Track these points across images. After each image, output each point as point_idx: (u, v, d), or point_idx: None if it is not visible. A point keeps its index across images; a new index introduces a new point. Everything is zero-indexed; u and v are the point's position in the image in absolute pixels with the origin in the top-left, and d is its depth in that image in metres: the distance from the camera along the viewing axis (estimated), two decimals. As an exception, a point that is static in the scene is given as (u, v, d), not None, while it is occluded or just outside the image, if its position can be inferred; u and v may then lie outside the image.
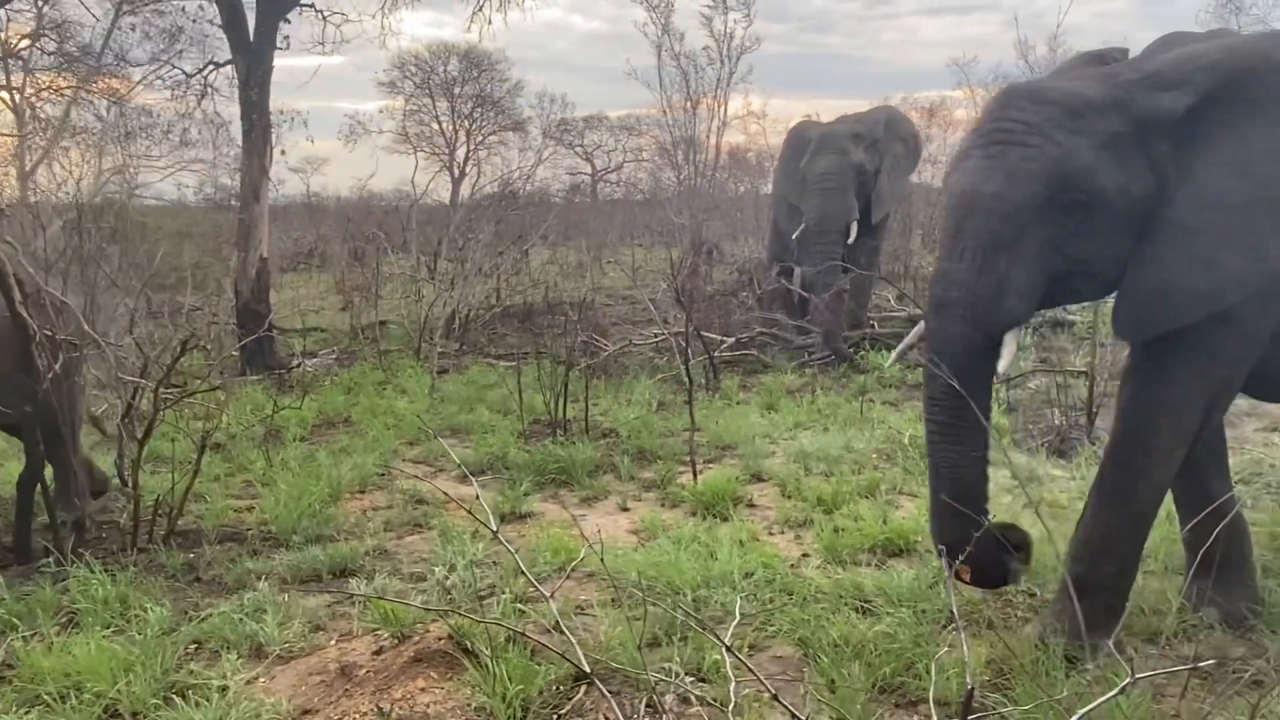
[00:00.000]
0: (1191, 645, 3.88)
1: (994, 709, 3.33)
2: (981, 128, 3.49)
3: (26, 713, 3.57)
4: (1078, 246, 3.38)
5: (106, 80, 13.58)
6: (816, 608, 4.32)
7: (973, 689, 1.96)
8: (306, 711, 3.66)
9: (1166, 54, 3.56)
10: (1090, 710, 2.06)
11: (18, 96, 11.76)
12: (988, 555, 3.38)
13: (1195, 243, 3.35)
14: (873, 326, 11.35)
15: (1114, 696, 1.97)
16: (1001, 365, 3.44)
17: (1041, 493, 5.88)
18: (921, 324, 3.64)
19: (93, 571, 4.68)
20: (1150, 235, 3.39)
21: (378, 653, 4.06)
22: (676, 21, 25.72)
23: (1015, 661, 3.58)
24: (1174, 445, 3.61)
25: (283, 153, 12.36)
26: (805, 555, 5.20)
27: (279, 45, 11.74)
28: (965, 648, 2.11)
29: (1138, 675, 2.00)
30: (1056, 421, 7.25)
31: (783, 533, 5.60)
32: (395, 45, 33.96)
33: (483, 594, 4.62)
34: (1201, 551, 3.58)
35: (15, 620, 4.31)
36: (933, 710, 2.20)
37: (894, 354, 3.63)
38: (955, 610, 2.26)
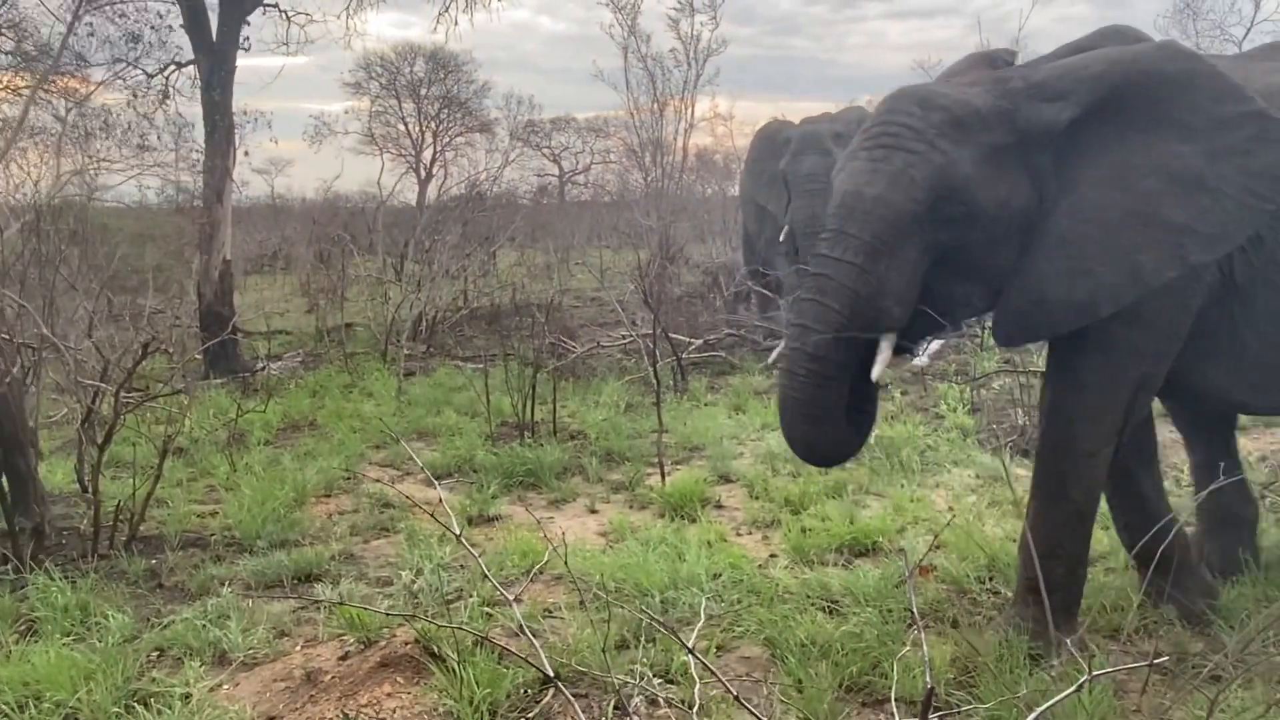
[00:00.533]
0: (1152, 641, 3.94)
1: (958, 707, 3.37)
2: (870, 129, 3.46)
3: (-17, 724, 3.52)
4: (961, 257, 3.37)
5: (65, 80, 13.39)
6: (784, 608, 4.34)
7: (932, 688, 1.98)
8: (271, 719, 3.63)
9: (1053, 63, 3.54)
10: (1050, 707, 2.09)
11: (-27, 96, 11.57)
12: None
13: (1073, 255, 3.36)
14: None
15: (1072, 693, 2.00)
16: (875, 372, 3.41)
17: (1006, 492, 5.95)
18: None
19: (52, 579, 4.62)
20: (1031, 246, 3.39)
21: (343, 658, 4.03)
22: (643, 23, 25.77)
23: (979, 660, 3.62)
24: (1098, 445, 3.65)
25: (246, 154, 12.29)
26: (773, 556, 5.23)
27: (242, 46, 11.64)
28: (925, 646, 2.13)
29: (1095, 672, 2.03)
30: (1020, 421, 7.34)
31: (750, 533, 5.62)
32: (360, 46, 33.80)
33: (450, 598, 4.60)
34: (1159, 551, 3.64)
35: (-29, 630, 4.24)
36: (895, 709, 2.22)
37: (772, 355, 3.64)
38: (915, 610, 2.28)
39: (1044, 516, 3.77)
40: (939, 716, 3.30)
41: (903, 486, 6.19)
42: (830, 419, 3.46)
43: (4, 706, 3.62)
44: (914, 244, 3.28)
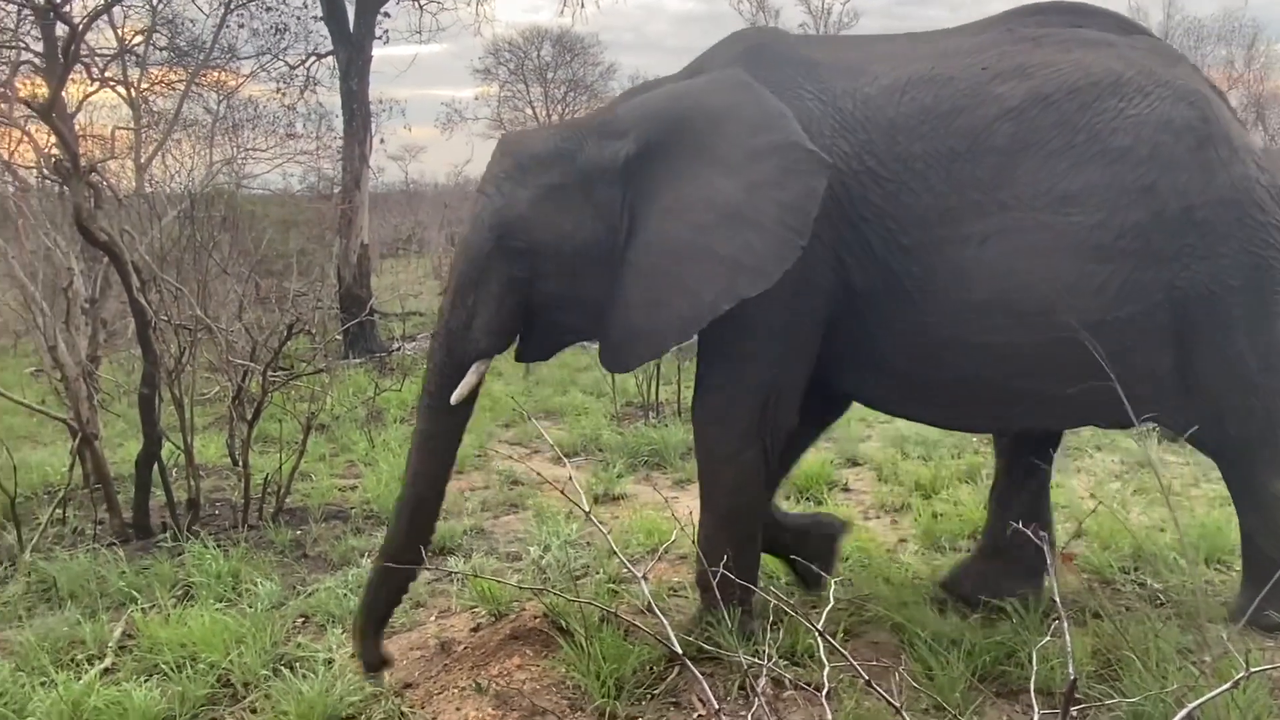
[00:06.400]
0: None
1: (1100, 700, 3.23)
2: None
3: (146, 680, 3.75)
4: (547, 287, 3.53)
5: (216, 74, 14.08)
6: (913, 594, 4.24)
7: (1076, 679, 1.90)
8: (408, 685, 3.76)
9: (631, 100, 3.71)
10: (1201, 704, 1.98)
11: (133, 91, 12.27)
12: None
13: (647, 285, 3.43)
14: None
15: (1226, 690, 1.89)
16: (454, 395, 3.54)
17: (1153, 479, 5.67)
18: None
19: (206, 547, 4.88)
20: (618, 277, 3.48)
21: (475, 629, 4.14)
22: (772, -1, 25.34)
23: (1122, 652, 3.47)
24: (732, 449, 3.65)
25: (381, 141, 12.69)
26: (902, 541, 5.12)
27: (377, 37, 12.00)
28: (1068, 636, 2.05)
29: (1253, 669, 1.92)
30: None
31: (878, 518, 5.52)
32: (490, 32, 34.37)
33: (577, 574, 4.67)
34: None
35: (135, 593, 4.51)
36: (1034, 700, 2.13)
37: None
38: (1058, 598, 2.18)
39: (701, 520, 3.78)
40: (1079, 710, 3.18)
41: (1040, 471, 5.96)
42: (442, 450, 3.65)
43: (163, 666, 3.86)
44: (494, 278, 3.49)
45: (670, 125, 3.48)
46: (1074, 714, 3.08)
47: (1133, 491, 5.60)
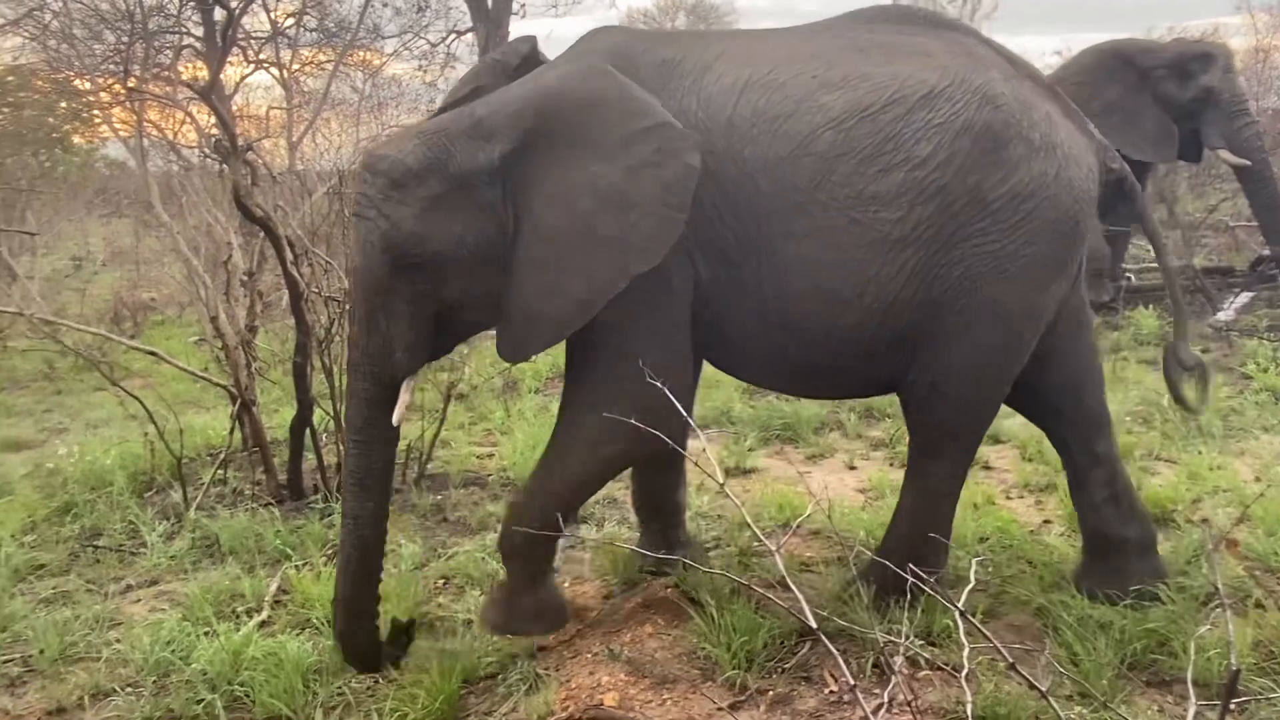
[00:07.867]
0: None
1: (1262, 694, 3.05)
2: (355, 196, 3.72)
3: (299, 633, 3.95)
4: (451, 292, 3.57)
5: (361, 54, 14.54)
6: (1058, 576, 4.09)
7: (1238, 670, 1.79)
8: (542, 648, 3.85)
9: (491, 96, 3.66)
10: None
11: (285, 72, 12.78)
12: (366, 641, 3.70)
13: (542, 274, 3.51)
14: (1129, 280, 10.48)
15: None
16: (395, 416, 3.59)
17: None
18: None
19: (354, 509, 5.08)
20: (513, 269, 3.56)
21: (607, 597, 4.21)
22: (912, -40, 24.42)
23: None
24: (603, 435, 3.62)
25: (519, 116, 12.83)
26: (1047, 522, 4.94)
27: (515, 12, 12.18)
28: (1230, 625, 1.93)
29: None
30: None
31: (1021, 497, 5.34)
32: (625, 3, 34.36)
33: (708, 546, 4.68)
34: None
35: (289, 550, 4.76)
36: (1190, 691, 2.02)
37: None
38: (1220, 585, 2.06)
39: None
40: (1238, 703, 3.01)
41: (1200, 453, 5.65)
42: (379, 486, 3.67)
43: (315, 621, 4.06)
44: (399, 297, 3.52)
45: (540, 119, 3.51)
46: (1233, 707, 2.92)
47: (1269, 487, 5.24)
